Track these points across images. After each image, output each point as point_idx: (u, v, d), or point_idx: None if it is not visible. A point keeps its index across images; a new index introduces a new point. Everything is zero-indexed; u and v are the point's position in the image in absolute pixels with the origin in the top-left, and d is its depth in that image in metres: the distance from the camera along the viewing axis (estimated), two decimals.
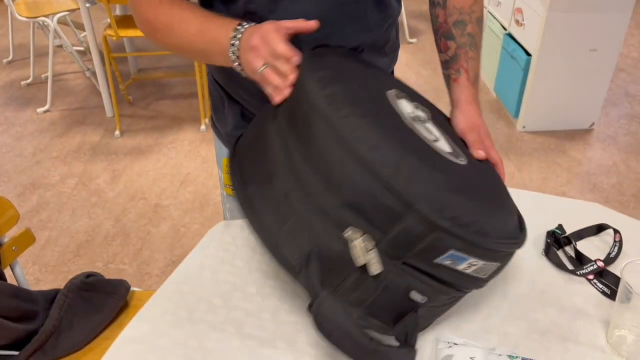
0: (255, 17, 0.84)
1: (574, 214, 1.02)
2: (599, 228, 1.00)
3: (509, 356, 0.75)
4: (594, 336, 0.80)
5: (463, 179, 0.71)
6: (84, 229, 2.20)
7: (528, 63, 2.67)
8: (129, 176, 2.53)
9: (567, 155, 2.66)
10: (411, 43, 3.90)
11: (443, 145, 0.76)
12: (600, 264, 0.90)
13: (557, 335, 0.80)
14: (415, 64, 3.58)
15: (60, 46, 3.03)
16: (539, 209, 1.06)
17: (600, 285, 0.89)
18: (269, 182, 0.69)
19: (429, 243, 0.65)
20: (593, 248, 0.96)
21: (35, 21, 3.02)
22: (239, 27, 0.78)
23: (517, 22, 2.80)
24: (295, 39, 0.78)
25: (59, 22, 2.99)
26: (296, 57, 0.72)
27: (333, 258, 0.66)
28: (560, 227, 0.99)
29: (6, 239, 1.12)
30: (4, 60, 3.64)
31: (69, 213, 2.29)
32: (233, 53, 0.78)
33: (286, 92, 0.72)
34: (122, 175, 2.53)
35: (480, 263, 0.70)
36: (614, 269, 0.91)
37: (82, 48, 3.56)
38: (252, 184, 0.71)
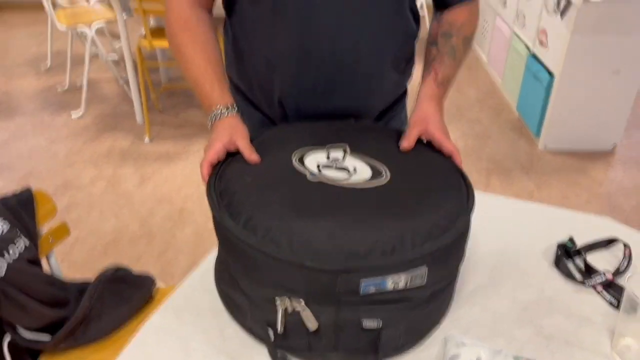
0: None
1: (586, 227, 1.05)
2: (610, 241, 1.02)
3: (515, 357, 0.78)
4: (599, 343, 0.83)
5: (355, 212, 0.74)
6: (111, 229, 2.29)
7: (551, 83, 2.69)
8: (156, 181, 2.61)
9: (587, 176, 2.66)
10: None
11: (360, 176, 0.83)
12: (609, 275, 0.93)
13: (563, 341, 0.83)
14: None
15: (96, 55, 3.15)
16: (551, 221, 1.09)
17: (608, 296, 0.91)
18: (228, 284, 0.84)
19: (341, 284, 0.70)
20: (603, 261, 0.99)
21: (73, 30, 3.15)
22: (215, 111, 0.93)
23: (541, 42, 2.83)
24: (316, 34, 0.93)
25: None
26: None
27: (286, 325, 0.75)
28: (571, 239, 1.02)
29: (44, 230, 1.19)
30: (42, 67, 3.80)
31: (97, 214, 2.38)
32: (209, 123, 0.95)
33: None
34: (150, 179, 2.62)
35: (402, 277, 0.71)
36: (622, 282, 0.93)
37: (116, 57, 3.69)
38: (222, 285, 0.88)
